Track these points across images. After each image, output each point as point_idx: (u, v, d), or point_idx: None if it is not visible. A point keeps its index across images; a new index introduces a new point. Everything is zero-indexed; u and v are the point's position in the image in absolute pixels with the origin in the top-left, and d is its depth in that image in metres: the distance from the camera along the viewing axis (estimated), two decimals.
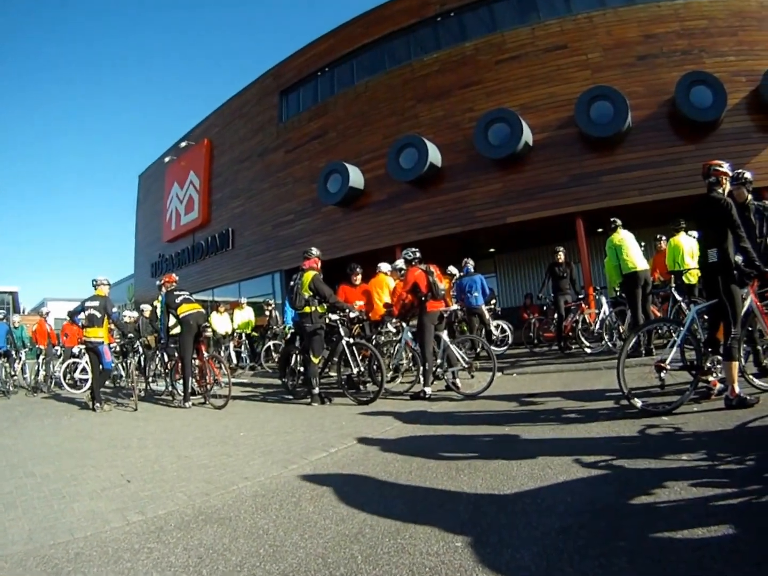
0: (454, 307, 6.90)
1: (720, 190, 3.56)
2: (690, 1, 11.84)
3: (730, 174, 3.68)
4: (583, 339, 7.54)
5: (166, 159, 16.82)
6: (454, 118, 11.79)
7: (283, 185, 13.69)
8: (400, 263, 6.24)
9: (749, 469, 2.32)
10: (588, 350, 7.24)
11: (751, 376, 3.71)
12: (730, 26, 11.67)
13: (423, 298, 5.27)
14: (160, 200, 17.87)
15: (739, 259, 3.52)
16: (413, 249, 5.67)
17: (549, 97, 11.33)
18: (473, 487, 2.37)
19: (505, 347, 8.89)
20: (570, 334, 7.89)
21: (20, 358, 9.76)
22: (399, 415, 4.31)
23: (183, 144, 15.97)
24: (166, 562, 1.82)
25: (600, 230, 10.80)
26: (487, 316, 8.21)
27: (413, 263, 5.54)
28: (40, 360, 9.68)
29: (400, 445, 3.31)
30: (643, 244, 9.31)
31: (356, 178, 12.28)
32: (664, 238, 7.59)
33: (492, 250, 13.91)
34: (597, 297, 8.07)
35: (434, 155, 11.54)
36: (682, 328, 3.64)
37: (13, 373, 9.30)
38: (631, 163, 10.84)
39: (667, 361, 3.54)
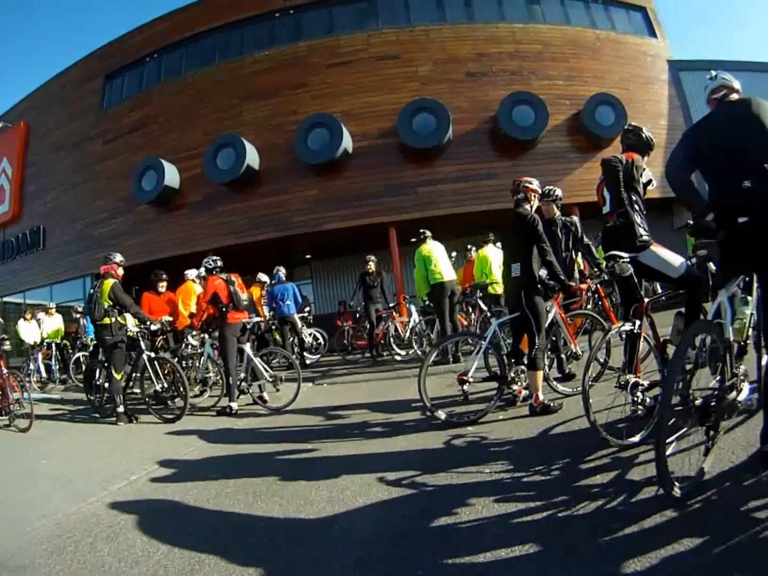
0: (257, 318, 6.62)
1: (527, 206, 3.66)
2: (528, 26, 12.11)
3: (539, 191, 3.81)
4: (394, 347, 7.70)
5: None
6: (277, 120, 11.32)
7: (98, 179, 12.54)
8: (202, 271, 5.97)
9: (554, 480, 2.30)
10: (398, 357, 7.45)
11: (555, 383, 3.85)
12: (563, 53, 12.00)
13: (224, 309, 5.11)
14: None
15: (543, 273, 3.65)
16: (214, 257, 5.49)
17: (374, 106, 11.14)
18: (269, 514, 2.31)
19: (319, 355, 8.85)
20: (382, 341, 8.03)
21: None
22: (204, 434, 4.20)
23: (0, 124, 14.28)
24: None
25: (414, 240, 10.41)
26: (300, 324, 8.15)
27: (214, 272, 5.34)
28: None
29: (202, 468, 3.23)
30: (454, 254, 9.11)
31: (172, 176, 11.40)
32: (474, 248, 7.58)
33: (308, 256, 13.50)
34: (407, 306, 8.31)
35: (252, 157, 10.94)
36: (483, 341, 3.72)
37: None
38: (448, 175, 10.84)
39: (470, 374, 3.61)
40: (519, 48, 11.68)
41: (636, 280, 2.85)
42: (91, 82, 13.19)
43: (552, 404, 3.37)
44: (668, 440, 2.03)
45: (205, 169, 11.04)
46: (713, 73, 2.44)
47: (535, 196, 3.73)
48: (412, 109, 10.55)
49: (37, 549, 2.24)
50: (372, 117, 10.92)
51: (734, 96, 2.35)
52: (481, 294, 6.65)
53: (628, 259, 2.76)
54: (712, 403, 1.96)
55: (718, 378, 2.05)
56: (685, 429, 2.07)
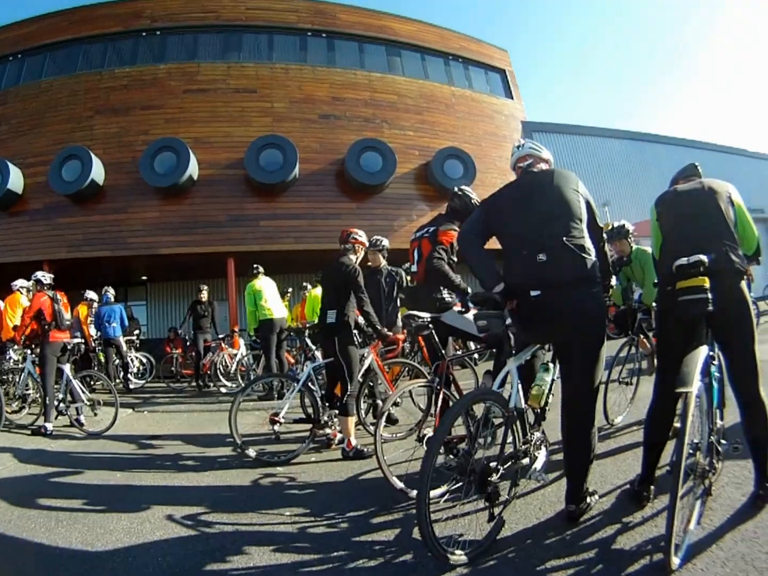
0: (77, 339, 6.37)
1: (352, 257, 3.77)
2: (386, 76, 12.87)
3: (366, 243, 3.94)
4: (220, 378, 7.81)
5: None
6: (127, 138, 11.52)
7: None
8: (17, 283, 6.00)
9: (340, 533, 2.29)
10: (224, 390, 7.55)
11: (371, 428, 3.79)
12: (417, 105, 12.84)
13: (46, 327, 5.06)
14: None
15: (361, 320, 3.83)
16: (48, 273, 5.46)
17: (225, 136, 11.62)
18: (68, 542, 2.29)
19: (144, 381, 8.89)
20: (208, 372, 8.07)
21: None
22: (17, 453, 4.13)
23: None
24: None
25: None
26: (125, 347, 8.23)
27: (44, 288, 5.27)
28: None
29: (9, 488, 3.18)
30: (290, 289, 9.39)
31: (16, 180, 11.25)
32: (309, 286, 7.93)
33: (144, 278, 13.61)
34: (238, 338, 8.43)
35: (98, 172, 11.05)
36: (296, 384, 3.79)
37: None
38: (292, 212, 11.37)
39: (281, 414, 3.66)
40: (374, 96, 12.54)
41: (437, 339, 2.98)
42: None
43: (366, 449, 3.39)
44: (446, 505, 2.11)
45: (49, 177, 10.97)
46: (521, 141, 2.46)
47: (361, 248, 3.88)
48: (262, 144, 11.07)
49: None
50: (222, 147, 11.36)
51: (542, 166, 2.36)
52: (309, 333, 6.79)
53: (428, 320, 2.88)
54: (492, 471, 1.90)
55: (501, 446, 2.03)
56: (461, 495, 1.99)
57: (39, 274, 5.42)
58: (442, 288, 3.21)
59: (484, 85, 14.12)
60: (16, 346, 5.91)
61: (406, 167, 12.09)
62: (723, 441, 2.04)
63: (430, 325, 2.94)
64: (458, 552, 1.82)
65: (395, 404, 4.02)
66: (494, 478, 1.88)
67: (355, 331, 3.78)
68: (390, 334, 3.81)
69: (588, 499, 2.14)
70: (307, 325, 6.99)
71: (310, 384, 3.85)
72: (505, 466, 1.97)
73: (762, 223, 19.18)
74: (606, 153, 15.26)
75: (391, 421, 4.12)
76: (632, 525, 2.03)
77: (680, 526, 1.73)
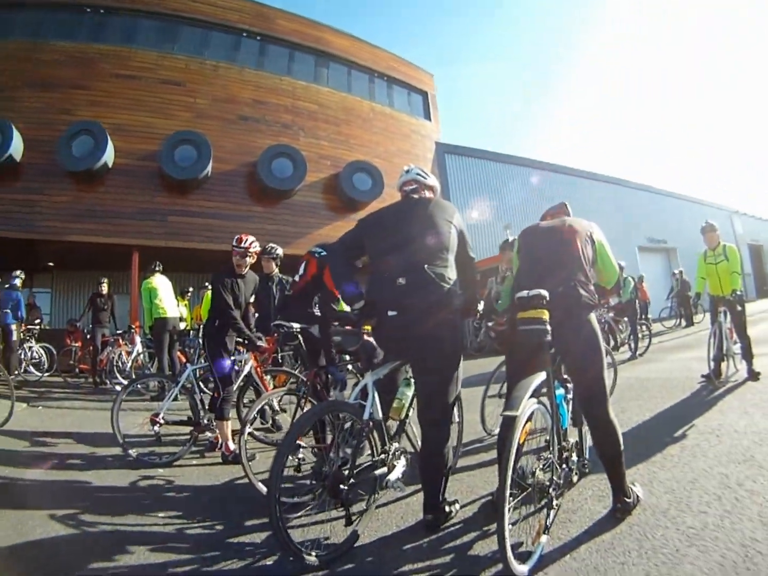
0: None
1: (236, 263, 3.77)
2: (312, 85, 13.30)
3: (258, 250, 3.89)
4: (117, 375, 7.66)
5: None
6: (49, 115, 11.36)
7: None
8: None
9: (215, 534, 2.36)
10: (119, 387, 7.05)
11: (254, 432, 3.83)
12: (336, 117, 13.36)
13: None
14: None
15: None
16: None
17: (145, 126, 11.71)
18: None
19: (45, 373, 8.60)
20: (105, 368, 7.90)
21: None
22: None
23: None
24: None
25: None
26: (15, 336, 7.61)
27: None
28: None
29: None
30: (191, 289, 9.87)
31: None
32: (209, 286, 8.03)
33: (51, 264, 12.99)
34: (136, 335, 8.15)
35: (17, 147, 10.84)
36: (175, 385, 3.80)
37: None
38: (202, 210, 11.70)
39: (161, 415, 3.66)
40: (296, 103, 12.95)
41: (305, 349, 3.18)
42: None
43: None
44: (302, 510, 2.16)
45: None
46: (411, 165, 2.54)
47: (251, 255, 3.81)
48: (178, 138, 11.37)
49: None
50: (140, 136, 11.47)
51: (425, 193, 2.42)
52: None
53: (297, 330, 2.99)
54: (343, 478, 1.95)
55: (353, 456, 2.05)
56: (315, 500, 2.06)
57: None
58: (313, 303, 3.35)
59: (405, 105, 14.74)
60: None
61: (317, 176, 12.64)
62: (575, 457, 2.17)
63: (299, 335, 3.08)
64: (314, 553, 1.88)
65: (279, 411, 4.09)
66: (347, 484, 1.94)
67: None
68: (263, 343, 3.74)
69: (447, 509, 2.21)
70: (200, 326, 7.05)
71: (189, 385, 3.82)
72: (358, 474, 2.02)
73: (664, 252, 21.09)
74: (513, 178, 16.35)
75: (276, 427, 4.19)
76: (490, 533, 2.05)
77: (530, 536, 1.84)
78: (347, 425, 2.22)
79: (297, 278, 3.56)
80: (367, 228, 2.41)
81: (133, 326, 8.54)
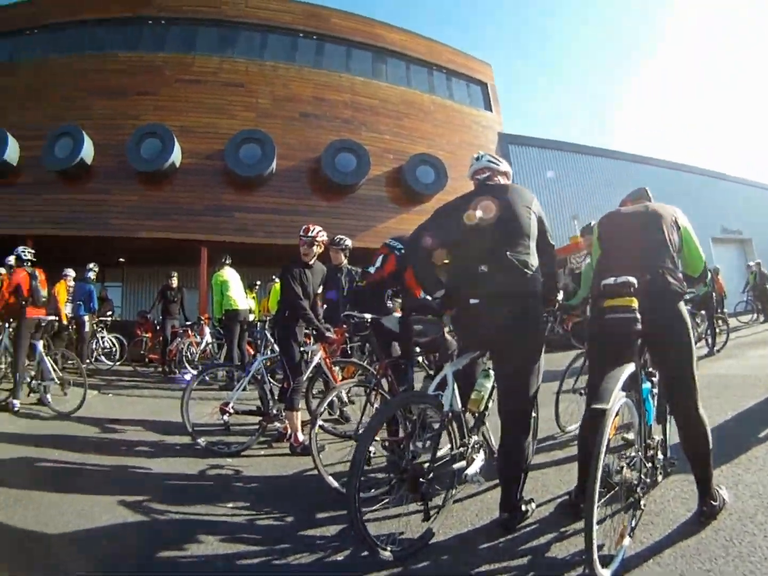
0: (51, 317, 6.25)
1: (309, 252, 3.66)
2: (369, 81, 13.08)
3: (325, 239, 3.79)
4: (186, 365, 7.63)
5: None
6: (118, 121, 11.66)
7: None
8: (11, 259, 5.83)
9: (286, 526, 2.31)
10: (187, 377, 7.09)
11: (324, 423, 3.71)
12: (397, 111, 13.05)
13: (23, 303, 4.98)
14: None
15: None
16: (29, 249, 5.37)
17: (210, 127, 11.82)
18: (24, 521, 2.30)
19: (117, 362, 8.75)
20: (174, 358, 7.93)
21: None
22: None
23: None
24: None
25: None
26: (87, 327, 7.81)
27: (24, 264, 5.22)
28: None
29: None
30: (258, 282, 9.70)
31: (12, 151, 11.51)
32: (277, 279, 7.87)
33: (122, 260, 13.52)
34: (205, 327, 8.26)
35: (88, 151, 11.28)
36: (245, 375, 3.75)
37: None
38: (267, 206, 11.63)
39: (230, 405, 3.63)
40: (356, 99, 12.74)
41: (376, 341, 3.02)
42: None
43: None
44: (380, 504, 2.08)
45: (42, 152, 11.31)
46: (480, 153, 2.42)
47: (318, 244, 3.72)
48: (243, 137, 11.34)
49: None
50: (206, 137, 11.59)
51: (499, 179, 2.32)
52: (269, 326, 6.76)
53: (367, 320, 2.88)
54: (424, 472, 1.89)
55: (434, 449, 1.99)
56: (393, 494, 2.00)
57: (20, 249, 5.34)
58: (386, 294, 3.20)
59: (465, 97, 14.35)
60: None
61: (380, 170, 12.32)
62: (660, 456, 2.03)
63: (368, 325, 2.95)
64: (389, 548, 1.81)
65: (348, 402, 4.01)
66: (426, 478, 1.88)
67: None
68: (331, 334, 3.64)
69: (524, 508, 2.11)
70: (268, 318, 7.05)
71: (259, 376, 3.76)
72: (439, 468, 1.95)
73: (739, 244, 19.55)
74: (577, 167, 15.52)
75: (345, 418, 4.08)
76: (567, 535, 1.98)
77: (613, 538, 1.73)
78: (426, 417, 2.16)
79: (372, 270, 3.42)
80: (444, 218, 2.32)
81: (203, 318, 8.64)
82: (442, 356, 2.35)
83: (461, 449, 2.06)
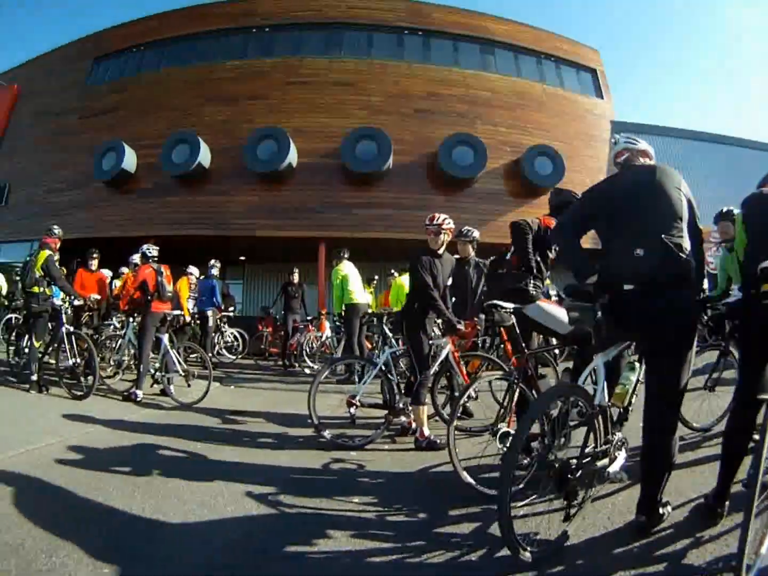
0: (177, 312, 6.43)
1: (437, 241, 3.52)
2: (479, 73, 12.63)
3: (452, 227, 3.62)
4: (306, 359, 7.66)
5: None
6: (232, 125, 11.73)
7: (67, 151, 12.88)
8: (136, 257, 6.02)
9: (417, 523, 2.20)
10: (307, 370, 7.37)
11: (448, 418, 3.49)
12: (511, 102, 12.52)
13: (149, 298, 5.10)
14: None
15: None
16: (154, 246, 5.48)
17: (323, 127, 11.60)
18: (142, 508, 2.28)
19: (234, 356, 8.87)
20: (294, 352, 7.96)
21: None
22: (106, 416, 4.15)
23: None
24: None
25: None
26: (211, 322, 7.87)
27: (149, 261, 5.36)
28: None
29: (95, 450, 3.20)
30: (376, 277, 9.39)
31: (130, 160, 11.82)
32: (396, 274, 7.80)
33: (242, 258, 13.70)
34: (325, 321, 8.27)
35: (205, 156, 11.39)
36: (374, 368, 3.68)
37: None
38: (383, 201, 11.25)
39: (357, 397, 3.57)
40: (468, 92, 12.21)
41: (518, 331, 2.80)
42: (83, 61, 13.65)
43: (439, 440, 3.20)
44: (522, 502, 1.98)
45: (160, 159, 11.46)
46: (616, 137, 2.36)
47: (446, 234, 3.57)
48: (358, 135, 11.02)
49: None
50: (320, 136, 11.37)
51: (642, 160, 2.25)
52: (388, 320, 6.81)
53: (510, 310, 2.71)
54: (572, 469, 1.81)
55: (583, 444, 1.91)
56: (539, 493, 1.93)
57: (145, 247, 5.44)
58: (528, 279, 2.97)
59: (576, 84, 13.54)
60: (120, 314, 6.03)
61: (497, 162, 11.67)
62: None
63: (513, 317, 2.75)
64: (530, 549, 1.71)
65: (471, 398, 3.79)
66: (574, 476, 1.79)
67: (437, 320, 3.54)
68: (461, 327, 3.48)
69: (661, 510, 1.97)
70: (386, 312, 6.75)
71: (386, 369, 3.68)
72: (584, 466, 1.85)
73: None
74: (696, 155, 14.31)
75: (467, 414, 3.93)
76: (704, 541, 1.86)
77: (752, 546, 1.55)
78: (571, 411, 2.07)
79: (508, 256, 3.32)
80: (593, 202, 2.26)
81: (322, 312, 8.73)
82: (596, 345, 2.13)
83: (605, 446, 1.95)
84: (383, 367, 3.67)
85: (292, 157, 11.04)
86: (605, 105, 13.65)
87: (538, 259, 3.07)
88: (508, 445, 2.31)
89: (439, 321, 3.78)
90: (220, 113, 11.91)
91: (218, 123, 11.82)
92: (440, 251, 3.57)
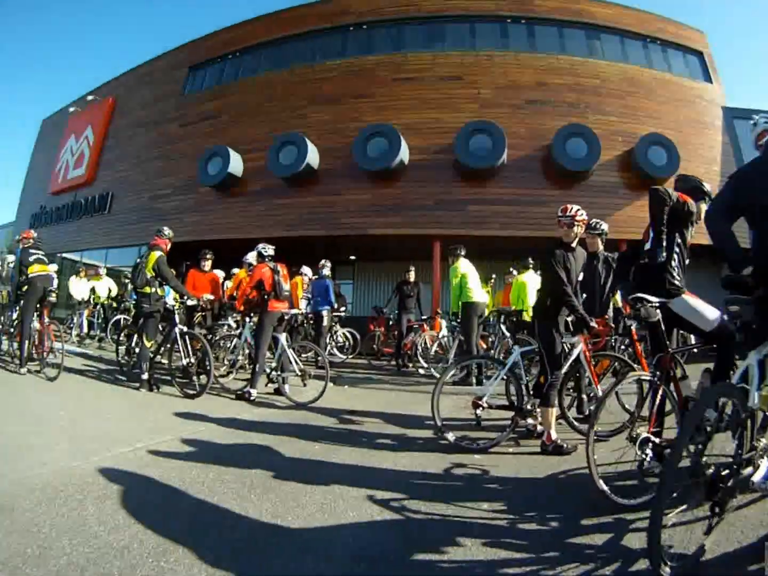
0: (295, 310, 6.50)
1: (570, 233, 3.37)
2: (587, 60, 12.11)
3: (585, 219, 3.44)
4: (420, 359, 7.43)
5: (71, 109, 15.94)
6: (339, 125, 11.58)
7: (169, 158, 13.11)
8: (249, 258, 5.95)
9: (549, 532, 2.07)
10: (422, 371, 7.19)
11: (574, 422, 3.54)
12: (620, 90, 11.98)
13: (266, 297, 5.03)
14: (56, 149, 16.84)
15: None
16: (269, 246, 5.40)
17: (434, 122, 11.29)
18: (259, 511, 2.16)
19: (345, 356, 8.74)
20: (409, 352, 7.78)
21: None
22: (219, 414, 4.12)
23: (90, 97, 15.21)
24: None
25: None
26: (326, 322, 7.79)
27: (265, 260, 5.27)
28: None
29: (207, 449, 3.12)
30: (494, 276, 9.17)
31: (236, 164, 11.86)
32: (515, 272, 7.56)
33: (353, 257, 13.63)
34: (441, 320, 7.93)
35: (313, 156, 11.28)
36: (502, 368, 3.53)
37: None
38: (499, 197, 10.87)
39: (484, 399, 3.45)
40: (577, 81, 11.69)
41: (663, 328, 2.56)
42: (177, 70, 13.84)
43: (566, 445, 3.10)
44: (668, 511, 1.79)
45: (267, 162, 11.43)
46: (756, 117, 2.25)
47: (579, 226, 3.39)
48: (471, 129, 10.68)
49: (28, 495, 2.21)
50: (430, 133, 11.08)
51: None
52: (507, 320, 6.53)
53: (656, 304, 2.47)
54: (724, 476, 1.68)
55: (735, 450, 1.77)
56: (689, 501, 1.78)
57: (260, 246, 5.35)
58: (672, 269, 2.66)
59: (683, 68, 12.87)
60: (235, 314, 5.95)
61: (610, 154, 11.13)
62: None
63: (659, 312, 2.49)
64: (669, 564, 1.58)
65: (593, 400, 3.71)
66: (725, 484, 1.67)
67: (568, 318, 3.42)
68: (594, 325, 3.28)
69: None
70: (505, 311, 6.64)
71: (516, 370, 3.51)
72: (735, 473, 1.71)
73: None
74: None
75: (583, 415, 3.79)
76: None
77: None
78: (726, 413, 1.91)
79: (648, 245, 2.87)
80: (743, 185, 2.12)
81: (438, 312, 8.58)
82: (749, 341, 2.00)
83: (749, 454, 1.79)
84: (512, 368, 3.52)
85: (404, 154, 10.79)
86: (715, 90, 12.92)
87: (678, 239, 2.73)
88: (649, 451, 2.21)
89: (569, 318, 3.52)
90: (325, 113, 11.79)
91: (324, 123, 11.70)
92: (573, 245, 3.39)
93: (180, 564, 1.67)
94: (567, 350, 3.40)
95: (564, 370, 3.30)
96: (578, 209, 3.35)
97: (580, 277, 3.56)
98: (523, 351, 3.66)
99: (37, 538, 1.83)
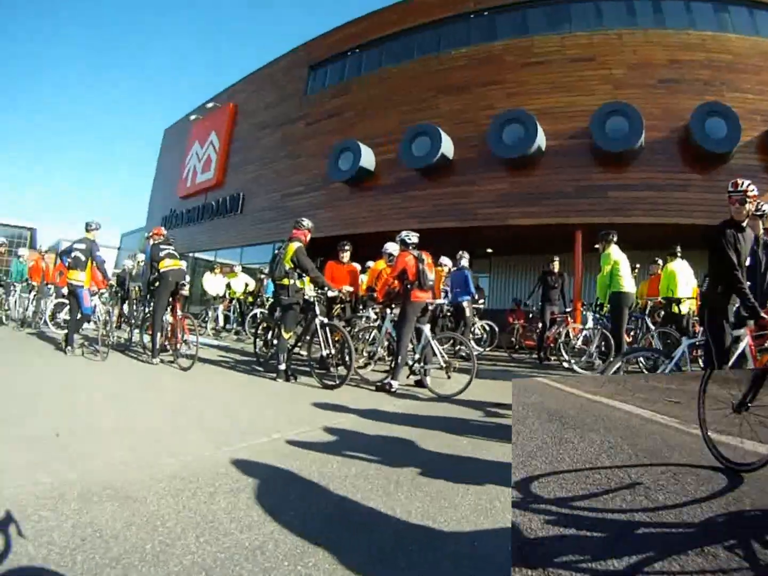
0: (440, 300, 6.54)
1: (742, 211, 3.12)
2: (718, 35, 11.71)
3: (756, 194, 3.17)
4: (563, 352, 7.29)
5: (192, 117, 16.87)
6: (471, 114, 11.68)
7: (297, 157, 13.64)
8: (389, 248, 5.81)
9: None
10: (566, 364, 6.99)
11: None
12: (755, 65, 11.52)
13: (409, 286, 4.85)
14: (181, 156, 17.83)
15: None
16: (414, 233, 5.19)
17: (568, 106, 11.23)
18: (407, 511, 1.99)
19: (487, 348, 8.74)
20: (552, 345, 7.69)
21: (15, 291, 9.75)
22: (359, 405, 4.04)
23: (210, 105, 16.02)
24: (47, 537, 1.60)
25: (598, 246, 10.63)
26: (468, 313, 7.75)
27: (409, 248, 5.06)
28: (31, 296, 9.61)
29: (347, 441, 2.99)
30: (638, 266, 9.21)
31: (368, 158, 12.22)
32: (660, 262, 7.46)
33: (489, 250, 13.56)
34: (584, 312, 7.72)
35: (447, 147, 11.47)
36: (669, 362, 3.44)
37: (6, 306, 9.55)
38: (638, 182, 10.70)
39: None
40: (710, 57, 11.30)
41: None
42: (298, 71, 14.32)
43: None
44: None
45: (399, 154, 11.71)
46: None
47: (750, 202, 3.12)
48: (606, 112, 10.55)
49: (155, 486, 2.09)
50: (565, 117, 11.04)
51: None
52: (653, 312, 6.39)
53: None
54: None
55: None
56: None
57: (404, 233, 5.18)
58: None
59: None
60: (376, 305, 5.94)
61: (748, 135, 10.62)
62: None
63: None
64: None
65: None
66: None
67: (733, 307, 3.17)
68: (765, 316, 3.00)
69: None
70: (652, 302, 6.49)
71: (682, 364, 3.40)
72: None
73: None
74: None
75: None
76: None
77: None
78: None
79: None
80: None
81: (582, 304, 8.49)
82: None
83: None
84: (678, 362, 3.33)
85: (541, 139, 10.81)
86: None
87: None
88: None
89: (734, 308, 3.26)
90: (455, 102, 11.91)
91: (455, 113, 11.84)
92: (744, 224, 3.13)
93: (319, 569, 1.51)
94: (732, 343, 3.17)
95: (729, 365, 3.07)
96: (749, 183, 3.12)
97: (748, 262, 3.30)
98: (690, 343, 3.55)
99: (159, 532, 1.69)
